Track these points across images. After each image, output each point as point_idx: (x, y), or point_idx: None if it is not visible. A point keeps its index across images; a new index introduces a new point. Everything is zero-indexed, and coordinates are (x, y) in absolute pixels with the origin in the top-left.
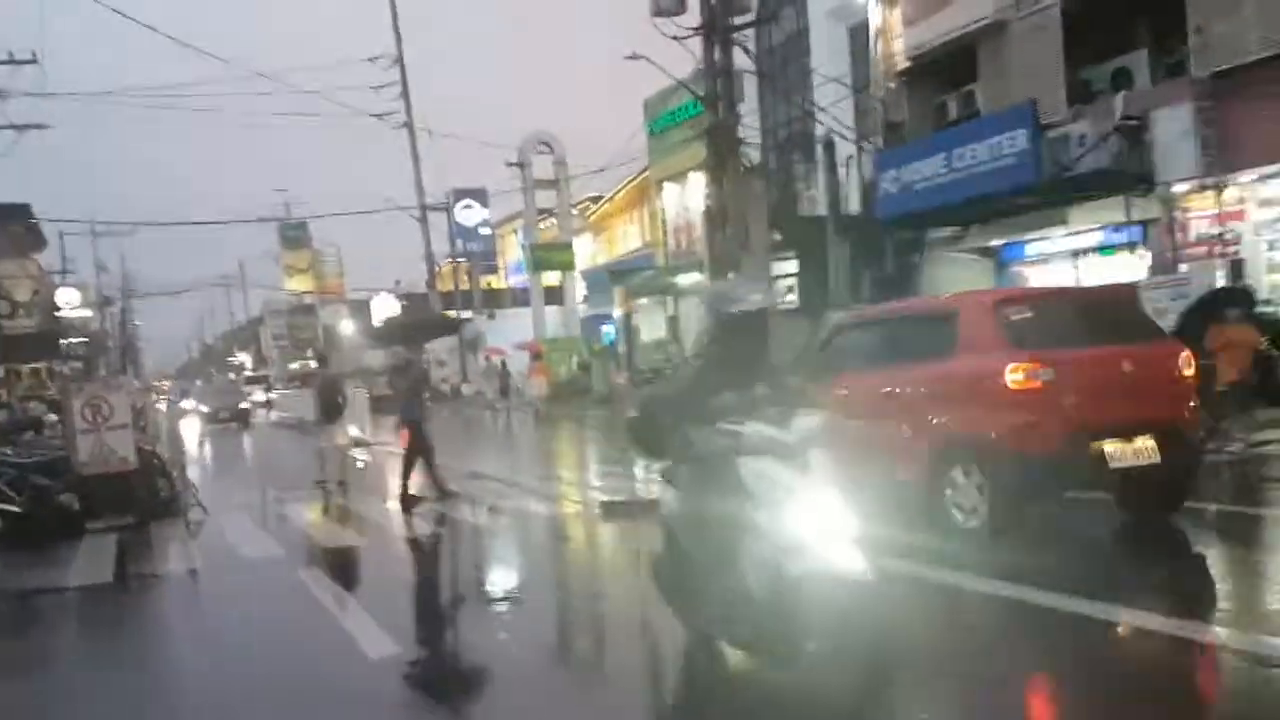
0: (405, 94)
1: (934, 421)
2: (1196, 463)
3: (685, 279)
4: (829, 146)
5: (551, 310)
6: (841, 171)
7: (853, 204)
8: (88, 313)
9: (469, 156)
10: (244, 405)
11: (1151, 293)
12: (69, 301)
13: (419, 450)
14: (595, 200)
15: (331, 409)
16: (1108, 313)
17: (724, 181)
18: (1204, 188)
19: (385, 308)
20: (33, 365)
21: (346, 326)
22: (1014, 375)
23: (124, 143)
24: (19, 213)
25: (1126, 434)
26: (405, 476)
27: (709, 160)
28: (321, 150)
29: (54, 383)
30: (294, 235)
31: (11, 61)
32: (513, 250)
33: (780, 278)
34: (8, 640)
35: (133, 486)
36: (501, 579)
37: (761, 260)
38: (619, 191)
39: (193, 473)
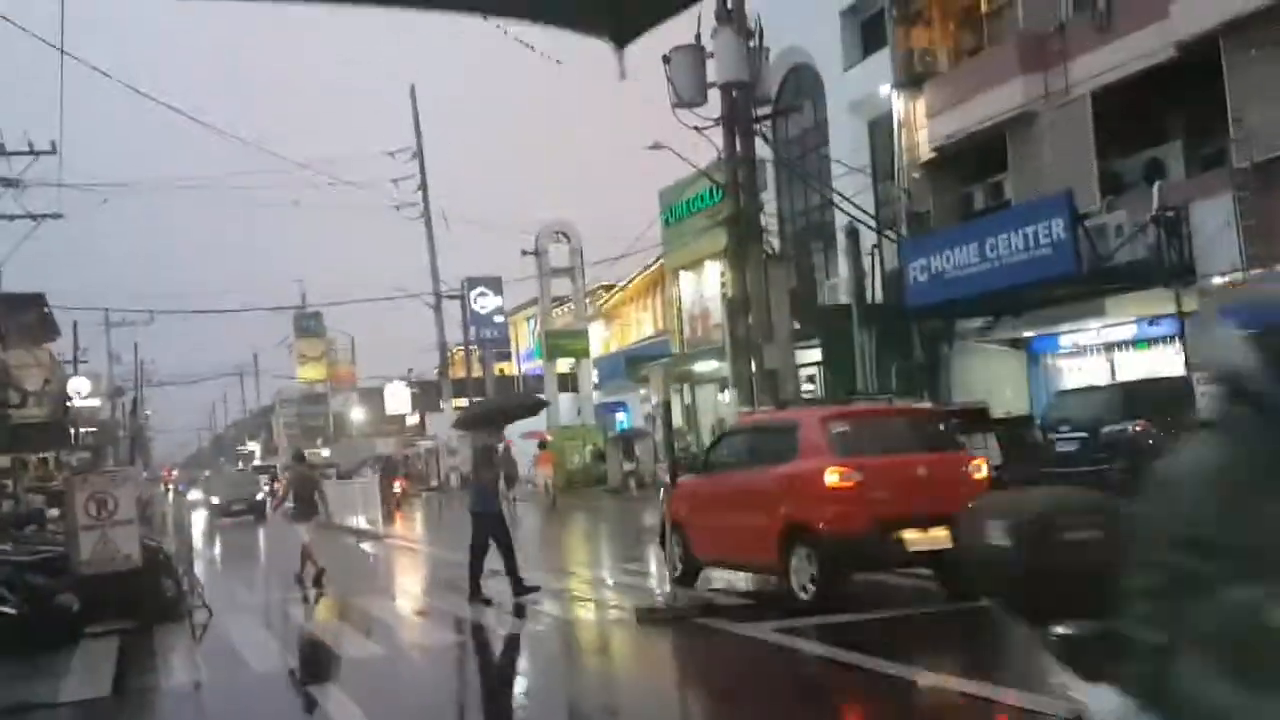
0: (424, 186)
1: (781, 511)
2: None
3: (702, 366)
4: (852, 234)
5: (564, 398)
6: (865, 260)
7: (875, 293)
8: (97, 402)
9: (484, 244)
10: (259, 496)
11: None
12: (79, 391)
13: (500, 544)
14: (607, 289)
15: (306, 506)
16: (915, 427)
17: (745, 269)
18: (1246, 281)
19: (398, 396)
20: (41, 455)
21: (357, 414)
22: (831, 476)
23: (140, 231)
24: (33, 302)
25: (923, 524)
26: (476, 572)
27: (729, 247)
28: (337, 239)
29: (61, 474)
30: (308, 324)
31: (31, 152)
32: (525, 338)
33: (803, 366)
34: None
35: (137, 586)
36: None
37: (784, 348)
38: (632, 280)
39: (199, 569)
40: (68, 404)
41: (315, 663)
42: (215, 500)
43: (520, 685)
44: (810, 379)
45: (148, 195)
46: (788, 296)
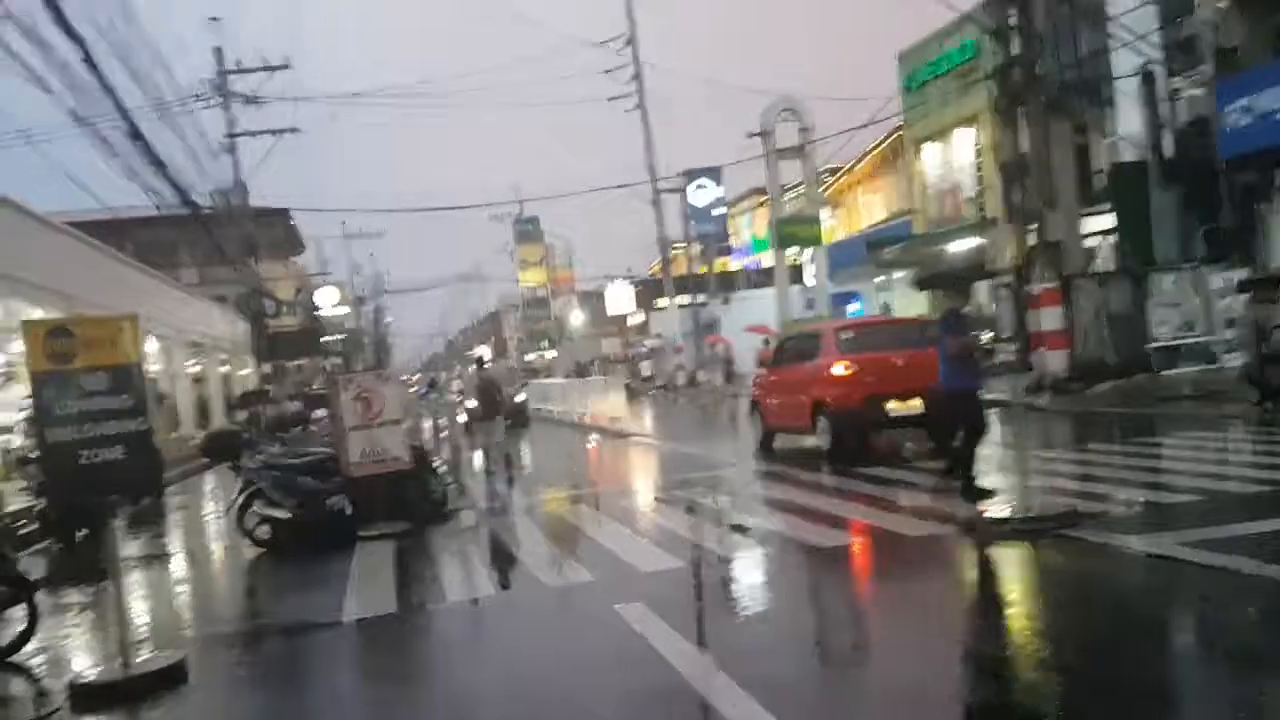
0: (638, 76)
1: (813, 392)
2: None
3: (957, 245)
4: (1148, 79)
5: (788, 292)
6: (1164, 108)
7: (1168, 147)
8: (345, 310)
9: (703, 133)
10: (520, 398)
11: None
12: (328, 300)
13: (974, 428)
14: (832, 173)
15: (490, 407)
16: (899, 331)
17: (1020, 127)
18: None
19: (619, 296)
20: (297, 362)
21: (576, 317)
22: (837, 368)
23: (371, 141)
24: (279, 216)
25: (902, 398)
26: (969, 460)
27: (1000, 104)
28: (554, 141)
29: (319, 378)
30: (527, 229)
31: (267, 68)
32: (741, 232)
33: (1090, 236)
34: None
35: (405, 488)
36: (909, 632)
37: (1070, 216)
38: (860, 161)
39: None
40: (316, 313)
41: (609, 574)
42: (471, 404)
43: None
44: (1092, 251)
45: (377, 106)
46: (1072, 156)
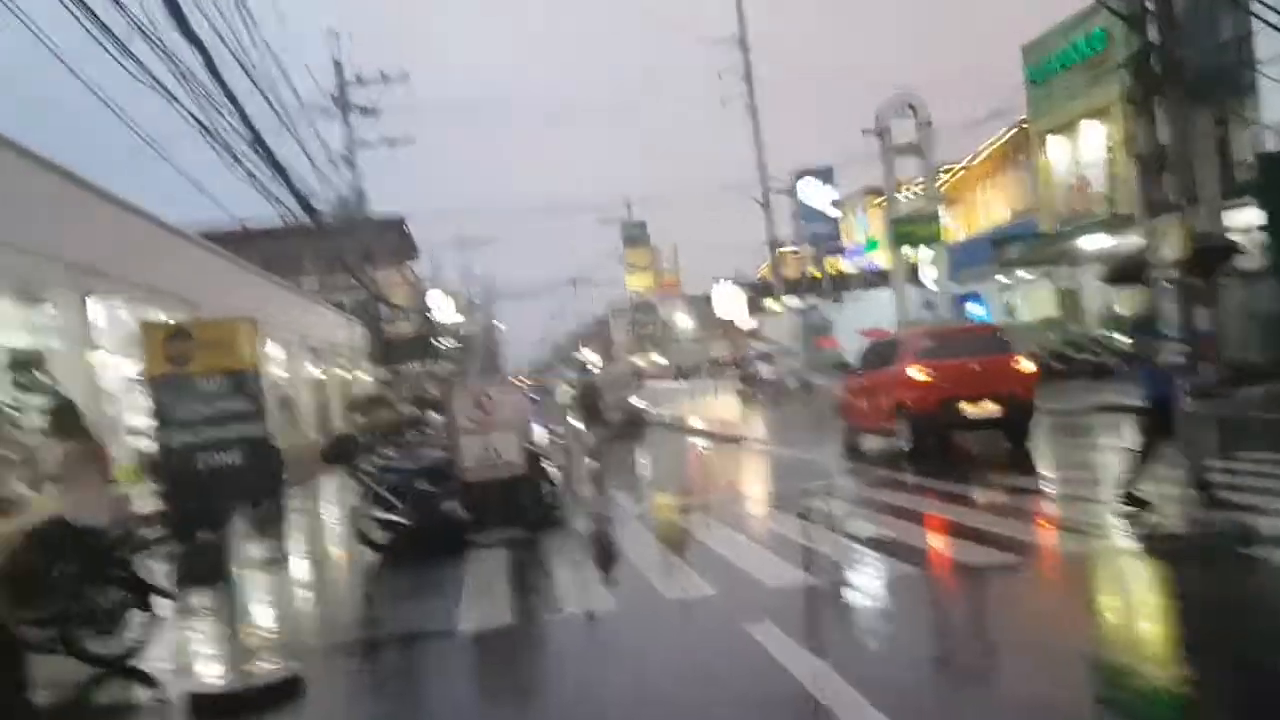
0: (748, 75)
1: (893, 396)
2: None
3: (1088, 242)
4: None
5: (905, 293)
6: None
7: None
8: (458, 317)
9: (815, 132)
10: (638, 402)
11: None
12: (439, 305)
13: (1159, 437)
14: (948, 171)
15: (591, 412)
16: (974, 338)
17: (1157, 117)
18: None
19: (726, 298)
20: (412, 367)
21: (683, 320)
22: (915, 373)
23: (484, 148)
24: (394, 224)
25: (977, 400)
26: (1137, 469)
27: (1135, 94)
28: (662, 145)
29: (431, 383)
30: (634, 233)
31: (384, 79)
32: (853, 231)
33: (1233, 231)
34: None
35: (519, 493)
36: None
37: (1212, 210)
38: (978, 158)
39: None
40: (429, 318)
41: (731, 588)
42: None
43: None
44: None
45: (490, 112)
46: (1213, 146)
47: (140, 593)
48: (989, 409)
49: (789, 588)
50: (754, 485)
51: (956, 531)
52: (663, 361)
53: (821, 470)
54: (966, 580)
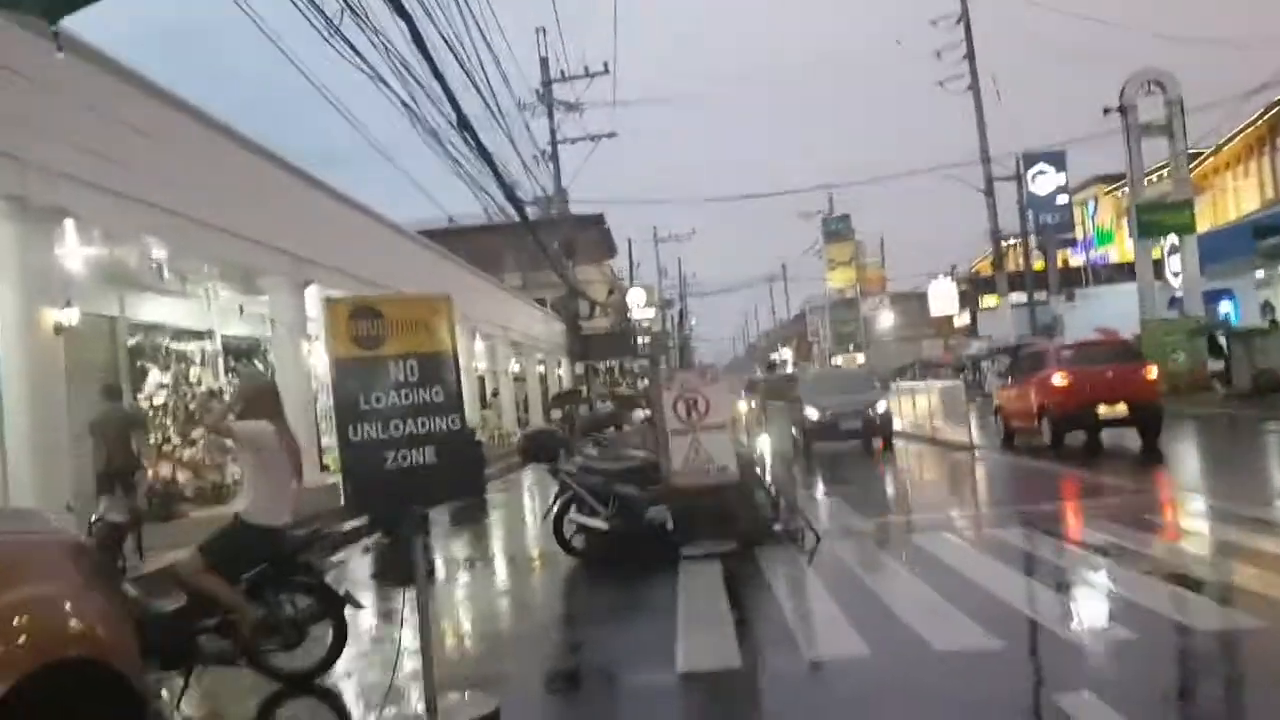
0: (970, 54)
1: (1037, 397)
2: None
3: None
4: None
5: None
6: None
7: None
8: (651, 313)
9: (1047, 113)
10: (879, 406)
11: None
12: (637, 302)
13: None
14: (1192, 157)
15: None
16: (1109, 349)
17: None
18: None
19: (942, 294)
20: (607, 364)
21: (886, 318)
22: (1056, 379)
23: (685, 142)
24: (594, 220)
25: (1110, 403)
26: None
27: None
28: (872, 130)
29: (625, 379)
30: (836, 227)
31: (587, 75)
32: (1084, 223)
33: None
34: None
35: (731, 501)
36: None
37: None
38: (1229, 141)
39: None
40: (628, 315)
41: (1019, 638)
42: (812, 415)
43: None
44: None
45: (690, 107)
46: None
47: (328, 602)
48: (1120, 411)
49: (1095, 643)
50: (1002, 499)
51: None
52: (862, 361)
53: (1092, 487)
54: None
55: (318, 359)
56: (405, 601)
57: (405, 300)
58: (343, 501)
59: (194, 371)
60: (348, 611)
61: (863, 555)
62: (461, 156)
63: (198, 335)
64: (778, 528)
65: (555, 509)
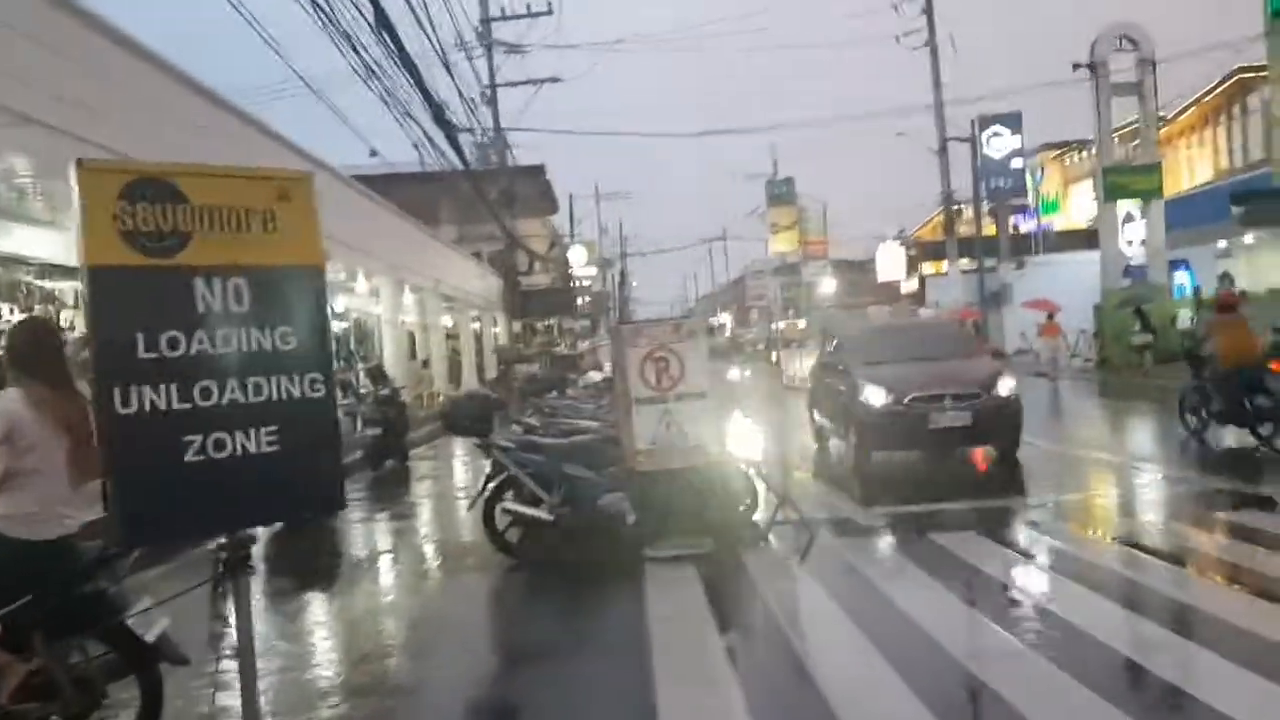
0: (929, 9)
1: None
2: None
3: None
4: None
5: (1089, 259)
6: None
7: None
8: (593, 271)
9: (1004, 72)
10: (1002, 385)
11: None
12: (578, 260)
13: None
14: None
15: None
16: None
17: None
18: None
19: (890, 259)
20: (546, 322)
21: (828, 285)
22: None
23: (632, 90)
24: (534, 172)
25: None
26: None
27: None
28: (819, 86)
29: (564, 339)
30: (780, 191)
31: (529, 14)
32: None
33: None
34: None
35: (708, 490)
36: None
37: None
38: (1185, 110)
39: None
40: (569, 272)
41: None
42: (875, 399)
43: None
44: None
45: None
46: None
47: (131, 651)
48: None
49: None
50: (1030, 490)
51: None
52: (804, 327)
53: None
54: None
55: None
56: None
57: (230, 176)
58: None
59: (66, 315)
60: (166, 666)
61: (872, 557)
62: (394, 85)
63: (70, 273)
64: (758, 518)
65: (485, 494)
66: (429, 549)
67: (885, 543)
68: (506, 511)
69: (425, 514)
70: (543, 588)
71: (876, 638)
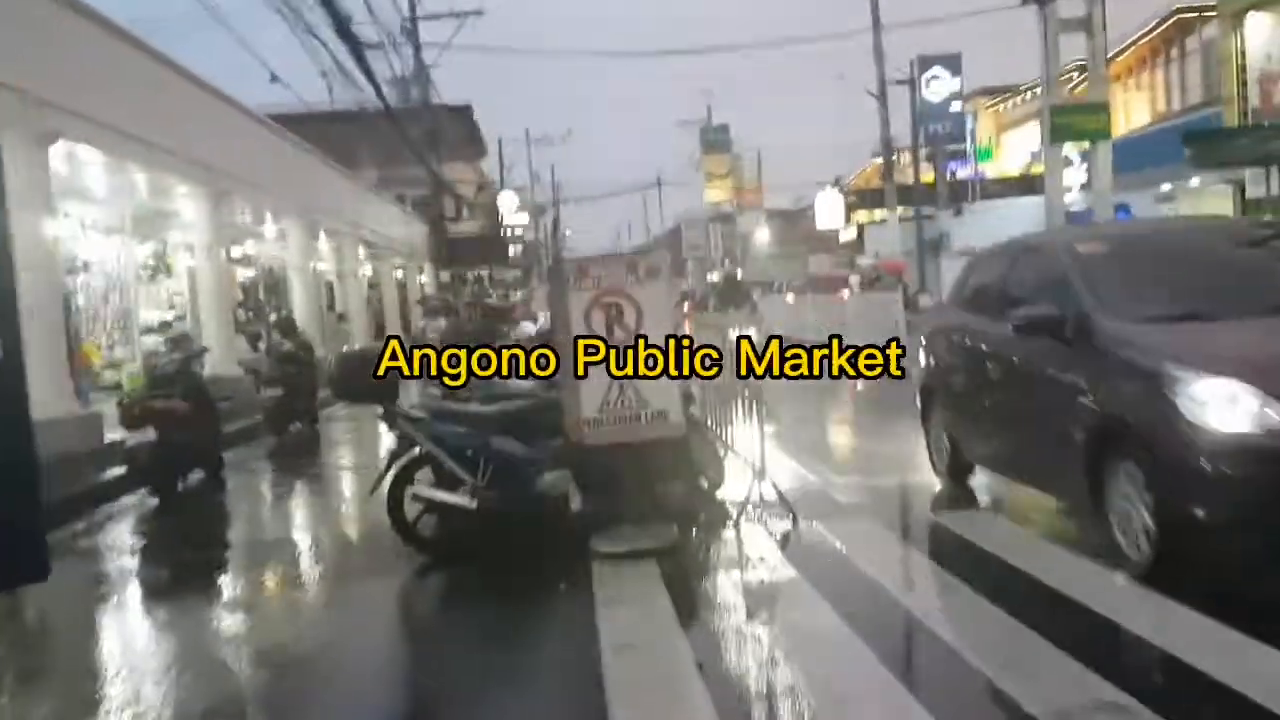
0: None
1: None
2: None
3: None
4: None
5: (1030, 204)
6: None
7: None
8: (525, 219)
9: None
10: None
11: None
12: (509, 206)
13: None
14: (1081, 69)
15: None
16: None
17: None
18: None
19: (829, 207)
20: (476, 272)
21: (761, 235)
22: None
23: (559, 30)
24: (461, 112)
25: None
26: None
27: None
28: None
29: (495, 289)
30: (715, 138)
31: None
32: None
33: None
34: None
35: (672, 468)
36: None
37: None
38: (1127, 48)
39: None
40: (499, 219)
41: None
42: (1235, 407)
43: None
44: None
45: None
46: None
47: None
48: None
49: None
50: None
51: None
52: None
53: None
54: None
55: (70, 229)
56: None
57: None
58: None
59: None
60: None
61: (869, 543)
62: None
63: None
64: (721, 495)
65: (390, 475)
66: (320, 544)
67: (869, 520)
68: (417, 498)
69: (324, 493)
70: (461, 600)
71: (897, 665)
